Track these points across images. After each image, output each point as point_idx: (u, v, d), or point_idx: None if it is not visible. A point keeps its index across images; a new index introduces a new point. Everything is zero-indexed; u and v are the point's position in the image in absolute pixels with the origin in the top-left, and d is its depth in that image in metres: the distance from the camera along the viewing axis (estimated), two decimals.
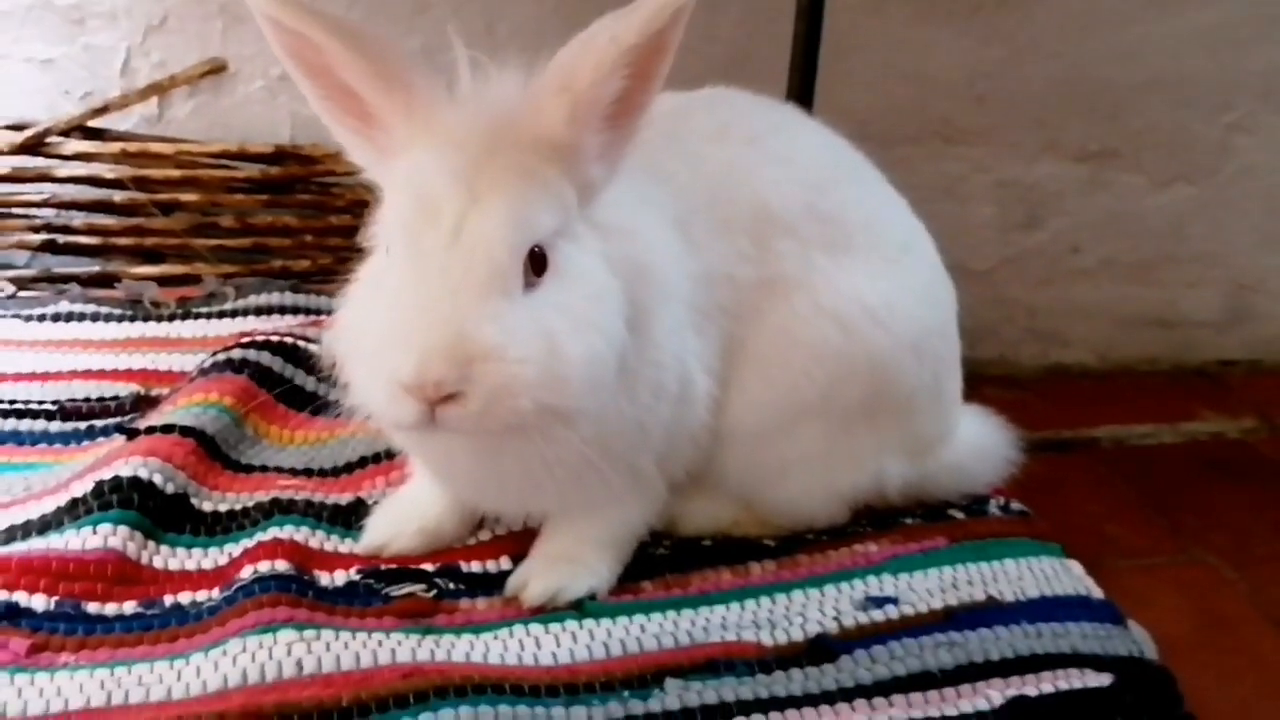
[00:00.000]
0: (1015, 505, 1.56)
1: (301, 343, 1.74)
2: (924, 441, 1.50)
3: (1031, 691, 1.21)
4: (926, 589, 1.37)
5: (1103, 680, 1.23)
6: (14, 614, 1.24)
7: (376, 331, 1.14)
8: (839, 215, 1.42)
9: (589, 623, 1.29)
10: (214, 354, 1.72)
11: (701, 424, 1.37)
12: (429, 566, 1.37)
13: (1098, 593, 1.40)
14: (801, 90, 2.22)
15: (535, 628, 1.28)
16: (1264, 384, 2.84)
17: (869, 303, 1.39)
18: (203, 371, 1.68)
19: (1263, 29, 2.70)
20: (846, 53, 2.42)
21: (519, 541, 1.41)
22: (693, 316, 1.34)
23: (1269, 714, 1.81)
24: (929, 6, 2.56)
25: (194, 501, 1.45)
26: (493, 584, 1.35)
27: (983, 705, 1.19)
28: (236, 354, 1.69)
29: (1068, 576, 1.42)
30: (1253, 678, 1.87)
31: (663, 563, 1.41)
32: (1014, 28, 2.60)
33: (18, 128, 2.26)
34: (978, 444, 1.58)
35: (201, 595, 1.31)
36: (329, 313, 1.91)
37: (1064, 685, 1.22)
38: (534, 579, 1.33)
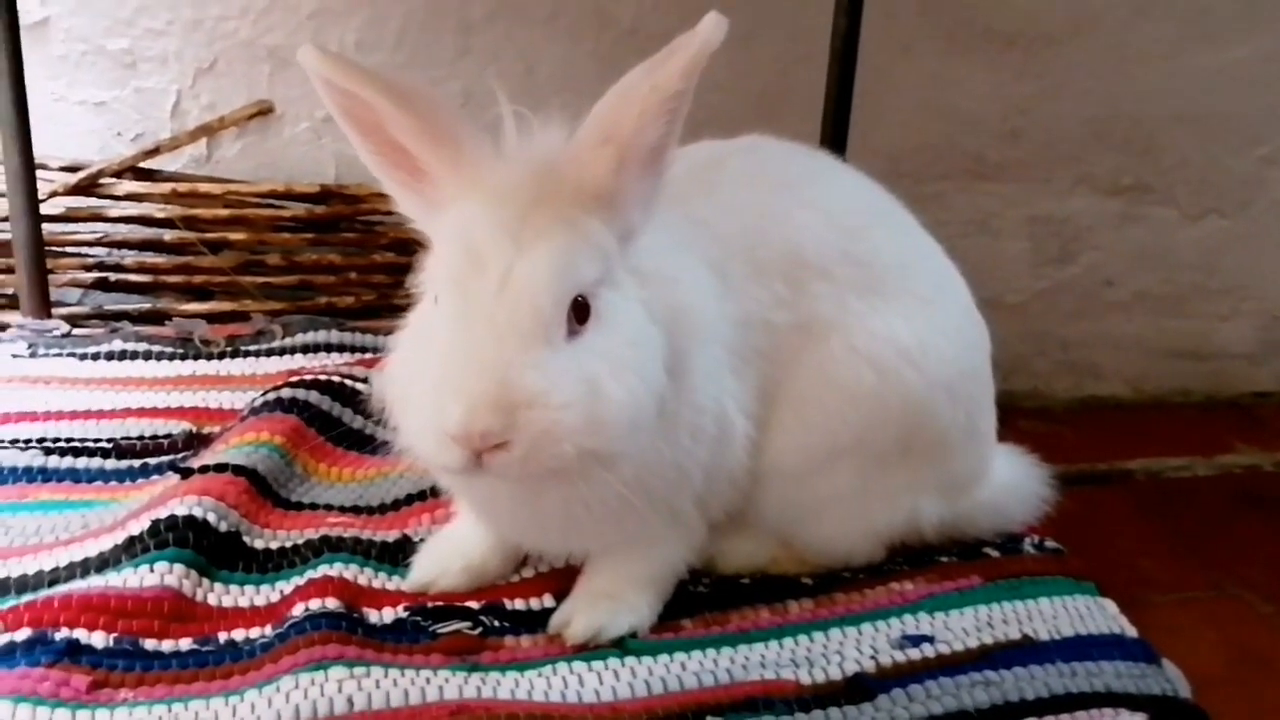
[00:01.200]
0: (1049, 543, 1.57)
1: (349, 381, 1.78)
2: (958, 481, 1.52)
3: None
4: (962, 628, 1.39)
5: (1137, 719, 1.25)
6: (75, 651, 1.27)
7: (425, 379, 1.17)
8: (872, 259, 1.45)
9: (631, 660, 1.32)
10: (264, 393, 1.76)
11: (739, 465, 1.40)
12: (474, 604, 1.40)
13: (1131, 631, 1.41)
14: (835, 128, 2.25)
15: (578, 665, 1.31)
16: None
17: (903, 344, 1.42)
18: (253, 410, 1.72)
19: None
20: (880, 91, 2.45)
21: (562, 579, 1.44)
22: (730, 360, 1.37)
23: None
24: (961, 44, 2.59)
25: (246, 539, 1.49)
26: (536, 622, 1.38)
27: None
28: (286, 393, 1.74)
29: (1102, 615, 1.43)
30: None
31: (702, 601, 1.43)
32: (1046, 63, 2.63)
33: (72, 169, 2.33)
34: (1012, 483, 1.61)
35: (255, 632, 1.35)
36: (374, 350, 1.97)
37: None
38: (577, 617, 1.36)
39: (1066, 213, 2.75)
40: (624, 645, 1.34)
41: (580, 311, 1.18)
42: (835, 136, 2.24)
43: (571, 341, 1.17)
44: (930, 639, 1.37)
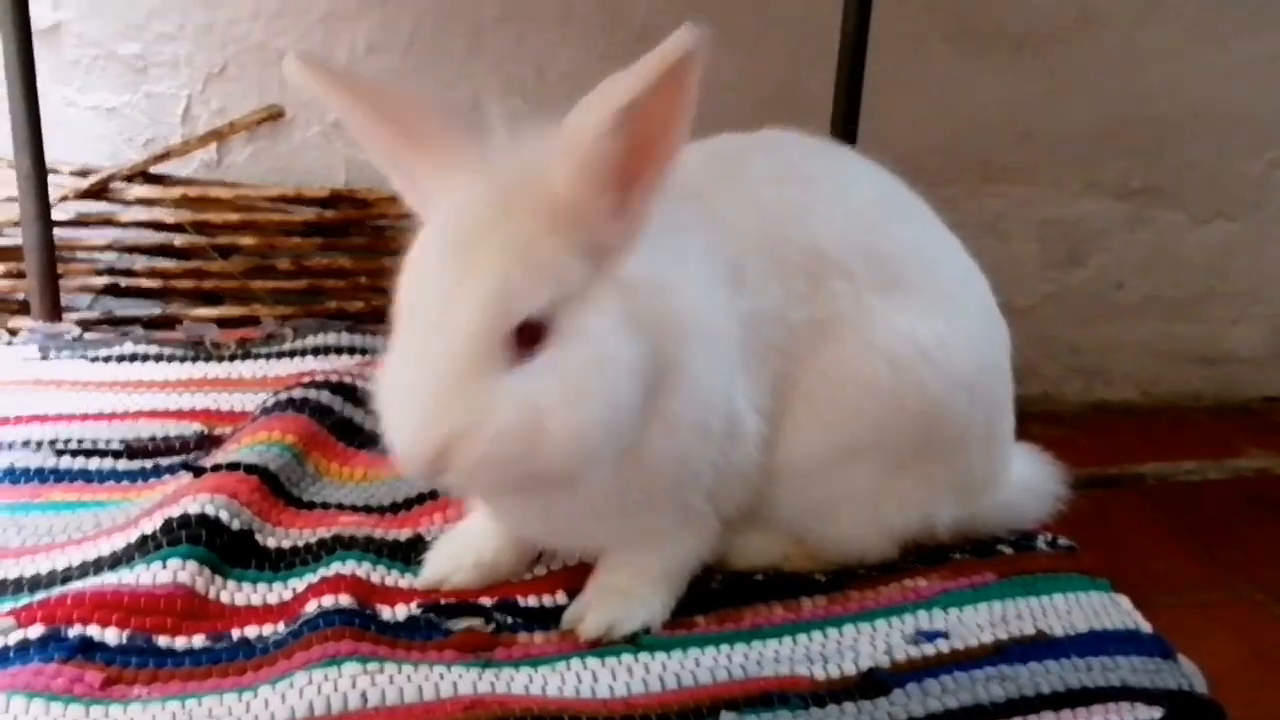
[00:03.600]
0: (1063, 541, 1.57)
1: (360, 382, 1.78)
2: (975, 482, 1.51)
3: None
4: (976, 623, 1.39)
5: (1153, 714, 1.24)
6: (88, 648, 1.27)
7: (380, 406, 1.21)
8: (891, 255, 1.44)
9: (644, 656, 1.32)
10: (275, 393, 1.77)
11: (751, 461, 1.39)
12: (487, 601, 1.40)
13: (1146, 627, 1.41)
14: (844, 130, 2.26)
15: (592, 661, 1.30)
16: None
17: (921, 341, 1.41)
18: (265, 410, 1.73)
19: None
20: (889, 91, 2.45)
21: (575, 576, 1.44)
22: (743, 355, 1.36)
23: None
24: (971, 45, 2.59)
25: (259, 538, 1.49)
26: (549, 618, 1.38)
27: None
28: (298, 393, 1.74)
29: (1116, 611, 1.43)
30: None
31: (715, 597, 1.43)
32: (1055, 65, 2.64)
33: (82, 174, 2.34)
34: (1027, 482, 1.60)
35: (268, 629, 1.35)
36: (385, 352, 1.96)
37: (1115, 719, 1.23)
38: (590, 613, 1.36)
39: (1076, 216, 2.75)
40: (638, 641, 1.34)
41: (531, 334, 1.16)
42: (844, 138, 2.24)
43: (519, 367, 1.16)
44: (945, 634, 1.37)
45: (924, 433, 1.42)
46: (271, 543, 1.49)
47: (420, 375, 1.15)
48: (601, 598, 1.38)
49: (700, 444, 1.31)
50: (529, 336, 1.16)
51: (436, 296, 1.16)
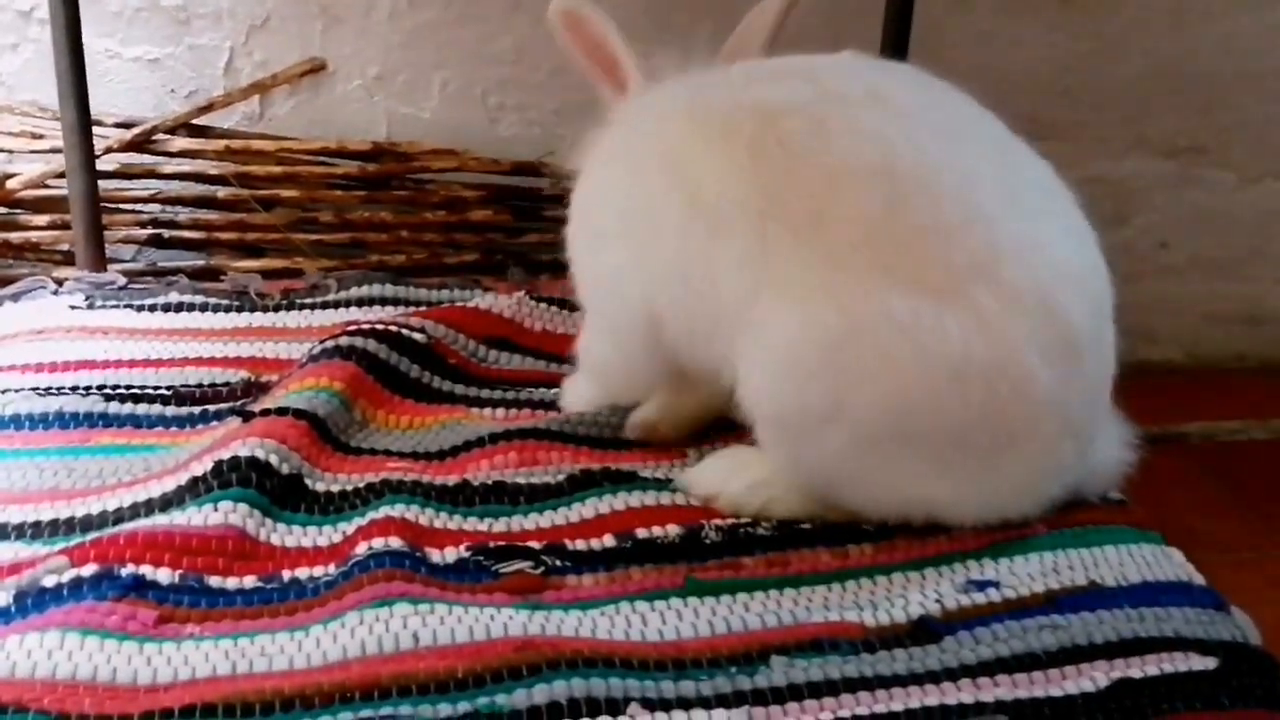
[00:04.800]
0: (1114, 494, 1.55)
1: (405, 331, 1.78)
2: (997, 492, 1.41)
3: (1136, 674, 1.21)
4: (1028, 573, 1.37)
5: (1208, 663, 1.23)
6: (141, 586, 1.28)
7: None
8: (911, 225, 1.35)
9: (694, 600, 1.32)
10: (322, 341, 1.77)
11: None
12: (535, 544, 1.40)
13: (1199, 579, 1.39)
14: None
15: (641, 605, 1.30)
16: None
17: (888, 305, 1.31)
18: (312, 358, 1.73)
19: None
20: (932, 49, 2.41)
21: (623, 520, 1.44)
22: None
23: None
24: (1017, 2, 2.56)
25: (308, 481, 1.49)
26: (598, 561, 1.38)
27: (1088, 686, 1.19)
28: (344, 341, 1.74)
29: (1168, 563, 1.41)
30: None
31: (761, 542, 1.42)
32: (1101, 21, 2.59)
33: (126, 125, 2.34)
34: (1101, 457, 1.49)
35: (319, 570, 1.35)
36: (428, 304, 1.97)
37: (1168, 668, 1.22)
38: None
39: (1121, 174, 2.71)
40: (688, 585, 1.34)
41: None
42: None
43: None
44: (995, 584, 1.35)
45: (895, 411, 1.34)
46: (320, 486, 1.50)
47: None
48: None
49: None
50: None
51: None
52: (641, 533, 1.43)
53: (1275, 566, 2.11)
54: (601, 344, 1.62)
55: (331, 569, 1.35)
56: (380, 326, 1.78)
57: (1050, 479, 1.41)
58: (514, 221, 2.41)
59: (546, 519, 1.46)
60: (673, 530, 1.43)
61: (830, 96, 1.40)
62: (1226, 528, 2.21)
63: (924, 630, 1.28)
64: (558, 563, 1.37)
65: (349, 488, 1.49)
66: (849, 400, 1.32)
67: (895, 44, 2.22)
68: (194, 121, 2.37)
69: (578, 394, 1.71)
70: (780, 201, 1.36)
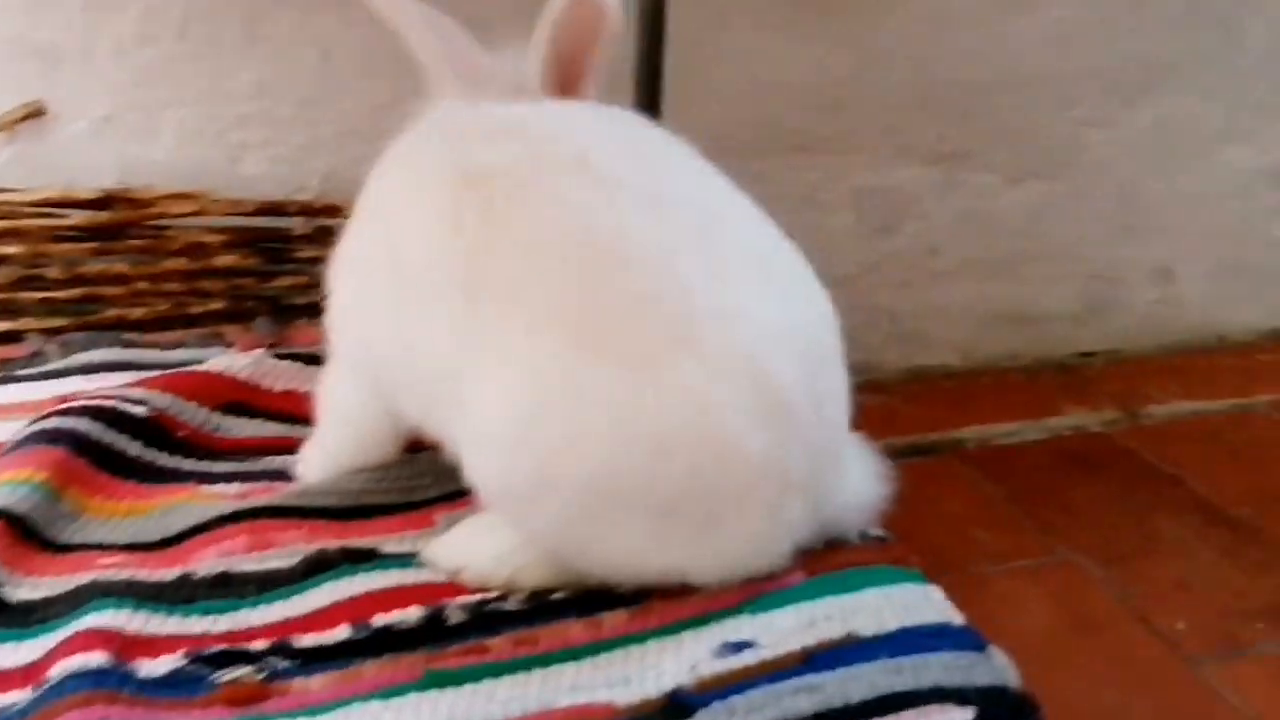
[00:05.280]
0: (874, 531, 1.52)
1: (125, 405, 1.64)
2: (716, 556, 1.34)
3: None
4: (785, 628, 1.31)
5: (966, 715, 1.20)
6: None
7: None
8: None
9: (433, 693, 1.22)
10: (30, 423, 1.61)
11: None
12: (260, 644, 1.28)
13: (959, 619, 1.36)
14: (648, 107, 2.18)
15: (375, 704, 1.20)
16: (1122, 374, 2.89)
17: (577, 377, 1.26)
18: (16, 444, 1.57)
19: (1104, 23, 2.74)
20: (694, 66, 2.38)
21: (357, 608, 1.34)
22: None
23: (1142, 713, 1.82)
24: (773, 16, 2.54)
25: (6, 590, 1.35)
26: (328, 657, 1.27)
27: None
28: (52, 423, 1.58)
29: (928, 604, 1.38)
30: (1123, 677, 1.88)
31: (510, 619, 1.34)
32: (860, 34, 2.60)
33: None
34: (854, 498, 1.46)
35: (15, 695, 1.21)
36: (161, 367, 1.83)
37: None
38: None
39: (889, 183, 2.73)
40: (426, 678, 1.24)
41: None
42: (649, 112, 2.16)
43: None
44: (751, 644, 1.29)
45: (602, 475, 1.28)
46: (21, 595, 1.35)
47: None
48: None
49: None
50: None
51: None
52: (379, 619, 1.32)
53: (1052, 573, 2.14)
54: (342, 383, 1.55)
55: (28, 693, 1.21)
56: (95, 403, 1.63)
57: (782, 535, 1.36)
58: (263, 265, 2.27)
59: (277, 611, 1.34)
60: (414, 613, 1.33)
61: (539, 158, 1.33)
62: (1004, 535, 2.23)
63: (676, 705, 1.21)
64: (283, 664, 1.26)
65: (52, 593, 1.35)
66: (554, 475, 1.26)
67: (649, 63, 2.17)
68: None
69: (316, 458, 1.60)
70: (481, 270, 1.29)
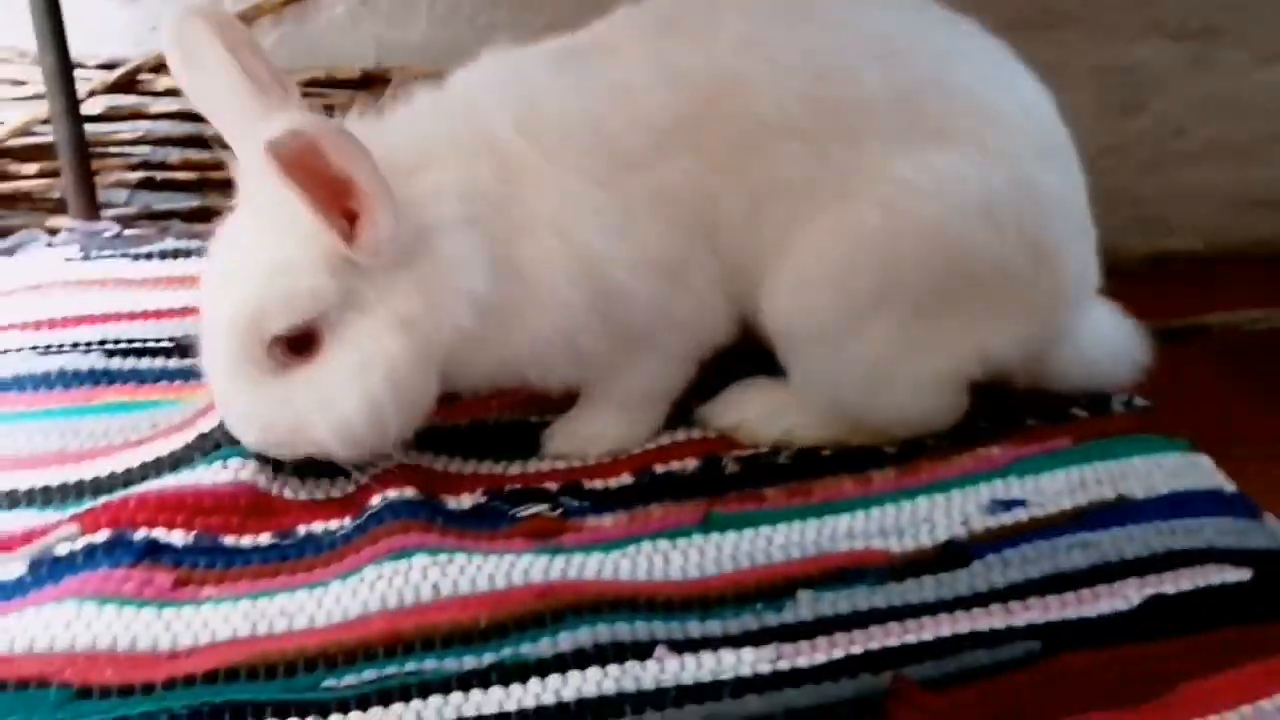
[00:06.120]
0: (1139, 401, 1.52)
1: None
2: (1036, 321, 1.42)
3: (1169, 589, 1.19)
4: (1055, 490, 1.35)
5: (1241, 575, 1.21)
6: (155, 550, 1.26)
7: None
8: (855, 101, 1.35)
9: (715, 536, 1.29)
10: None
11: (659, 307, 1.37)
12: (552, 485, 1.38)
13: (1230, 486, 1.36)
14: None
15: (663, 543, 1.28)
16: None
17: (904, 176, 1.33)
18: None
19: None
20: None
21: (642, 459, 1.42)
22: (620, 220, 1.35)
23: None
24: None
25: None
26: (615, 501, 1.36)
27: (1120, 605, 1.17)
28: None
29: (1198, 472, 1.38)
30: None
31: (782, 471, 1.40)
32: None
33: (109, 66, 2.28)
34: (1108, 341, 1.51)
35: (334, 524, 1.33)
36: None
37: (1201, 582, 1.20)
38: (553, 439, 1.45)
39: (1133, 60, 2.63)
40: (708, 521, 1.31)
41: (301, 342, 1.27)
42: None
43: (286, 372, 1.28)
44: (1022, 503, 1.33)
45: (942, 271, 1.34)
46: None
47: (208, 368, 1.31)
48: (563, 424, 1.46)
49: (560, 322, 1.34)
50: (298, 344, 1.27)
51: (208, 303, 1.30)
52: (659, 468, 1.40)
53: None
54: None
55: (347, 522, 1.33)
56: None
57: (1081, 288, 1.47)
58: None
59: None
60: (691, 464, 1.41)
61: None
62: (1252, 421, 2.18)
63: (951, 555, 1.26)
64: (575, 504, 1.35)
65: None
66: (894, 281, 1.34)
67: None
68: None
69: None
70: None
